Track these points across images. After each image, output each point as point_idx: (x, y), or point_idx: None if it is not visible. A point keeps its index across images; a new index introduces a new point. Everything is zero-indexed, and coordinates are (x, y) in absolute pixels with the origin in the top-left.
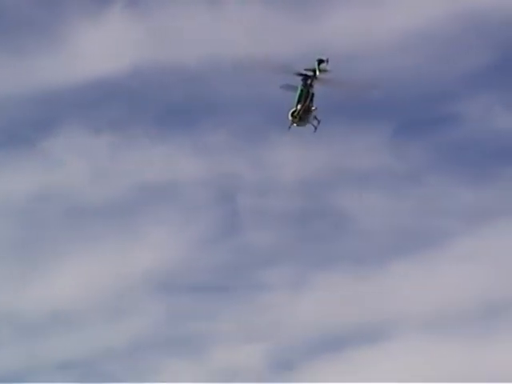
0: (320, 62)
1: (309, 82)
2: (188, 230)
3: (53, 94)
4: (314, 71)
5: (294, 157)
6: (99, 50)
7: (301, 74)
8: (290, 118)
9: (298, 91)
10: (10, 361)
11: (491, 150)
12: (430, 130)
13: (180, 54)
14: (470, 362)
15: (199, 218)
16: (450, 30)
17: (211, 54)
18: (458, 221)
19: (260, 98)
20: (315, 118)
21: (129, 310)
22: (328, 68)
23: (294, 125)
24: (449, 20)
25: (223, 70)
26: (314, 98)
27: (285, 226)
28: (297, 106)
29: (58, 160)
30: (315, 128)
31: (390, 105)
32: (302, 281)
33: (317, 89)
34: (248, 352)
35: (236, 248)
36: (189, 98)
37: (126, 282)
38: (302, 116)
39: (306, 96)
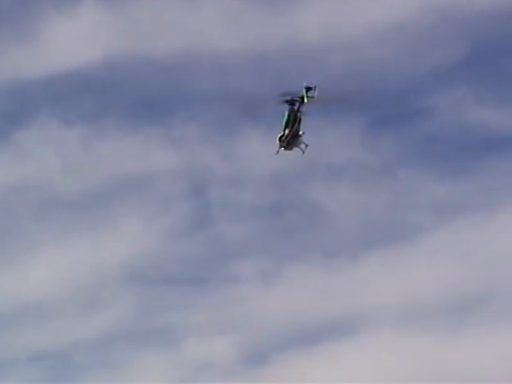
0: (308, 89)
1: (296, 107)
2: (161, 221)
3: (25, 86)
4: (302, 98)
5: (267, 149)
6: (71, 41)
7: (287, 101)
8: (278, 142)
9: (285, 116)
10: None
11: (463, 143)
12: (402, 123)
13: (152, 45)
14: (441, 356)
15: (172, 209)
16: (422, 23)
17: (184, 46)
18: (430, 215)
19: (232, 90)
20: (302, 142)
21: (101, 302)
22: (316, 95)
23: (282, 149)
24: (421, 13)
25: (195, 61)
26: (302, 123)
27: (257, 218)
28: (284, 130)
29: (30, 152)
30: (303, 151)
31: (362, 98)
32: (275, 273)
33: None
34: (220, 344)
35: (208, 240)
36: (161, 90)
37: (99, 273)
38: (290, 141)
39: (293, 121)
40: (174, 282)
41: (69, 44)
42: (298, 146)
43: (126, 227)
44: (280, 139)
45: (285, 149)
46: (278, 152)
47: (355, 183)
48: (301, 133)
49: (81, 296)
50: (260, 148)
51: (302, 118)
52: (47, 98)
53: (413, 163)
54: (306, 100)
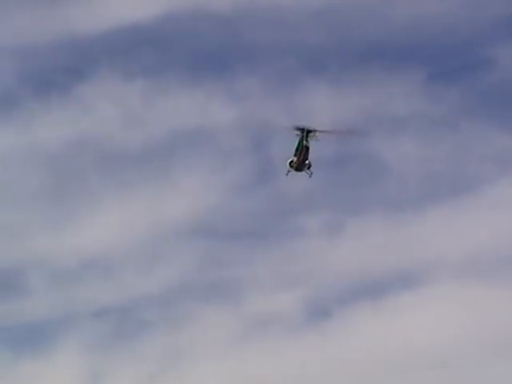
0: (308, 132)
1: (304, 135)
2: (222, 176)
3: (85, 41)
4: (308, 132)
5: (329, 102)
6: None
7: (300, 129)
8: (288, 166)
9: (296, 144)
10: (45, 308)
11: None
12: (464, 75)
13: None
14: (504, 309)
15: (233, 164)
16: None
17: (244, 0)
18: (494, 166)
19: (293, 44)
20: (309, 167)
21: (163, 257)
22: (316, 134)
23: (292, 170)
24: None
25: (256, 14)
26: (310, 151)
27: (320, 171)
28: (294, 156)
29: (91, 106)
30: (310, 175)
31: (425, 50)
32: (338, 227)
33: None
34: (284, 299)
35: (271, 194)
36: (221, 44)
37: (161, 228)
38: (297, 167)
39: (301, 151)
40: (237, 236)
41: None
42: (304, 170)
43: (187, 182)
44: (290, 164)
45: (294, 171)
46: (287, 173)
47: (418, 135)
48: (307, 162)
49: (143, 251)
50: (321, 101)
51: (310, 147)
52: (107, 53)
53: (475, 115)
54: (307, 143)
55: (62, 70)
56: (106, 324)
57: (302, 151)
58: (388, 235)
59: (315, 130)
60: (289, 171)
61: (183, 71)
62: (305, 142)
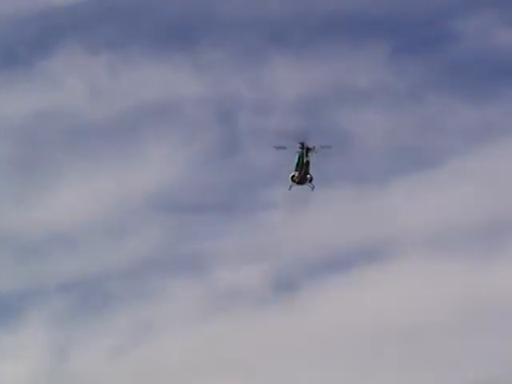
0: (308, 150)
1: (305, 150)
2: (189, 149)
3: (51, 14)
4: (307, 150)
5: (293, 75)
6: None
7: (301, 144)
8: (290, 180)
9: (296, 158)
10: (10, 282)
11: (491, 67)
12: (429, 47)
13: None
14: (470, 281)
15: (199, 137)
16: None
17: None
18: (458, 139)
19: (258, 18)
20: (310, 181)
21: (130, 230)
22: (316, 150)
23: (294, 184)
24: None
25: None
26: (310, 165)
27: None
28: (295, 171)
29: (56, 80)
30: (312, 188)
31: (389, 23)
32: (304, 200)
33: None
34: (249, 272)
35: (236, 167)
36: (188, 17)
37: (127, 202)
38: (299, 181)
39: (301, 165)
40: (204, 209)
41: None
42: (306, 184)
43: (154, 155)
44: (292, 178)
45: (296, 184)
46: (290, 188)
47: (383, 108)
48: (308, 176)
49: (110, 224)
50: (288, 74)
51: (311, 161)
52: (73, 26)
53: (440, 87)
54: (307, 158)
55: (26, 43)
56: (73, 297)
57: (303, 166)
58: (354, 208)
59: (316, 145)
60: (291, 186)
61: (149, 44)
62: (305, 157)
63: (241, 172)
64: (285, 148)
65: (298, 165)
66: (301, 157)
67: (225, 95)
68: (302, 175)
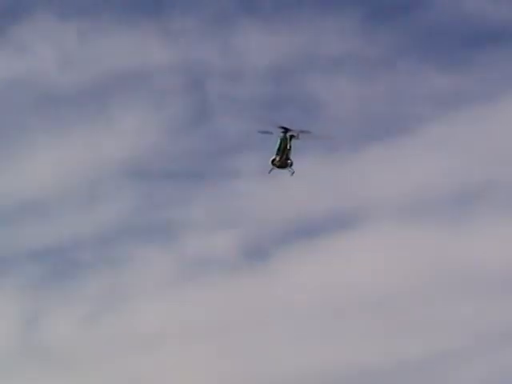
0: (291, 136)
1: (287, 135)
2: (159, 116)
3: None
4: (291, 137)
5: (264, 42)
6: None
7: (282, 128)
8: (270, 164)
9: (277, 144)
10: None
11: (463, 34)
12: (401, 14)
13: None
14: (442, 247)
15: (170, 104)
16: None
17: None
18: (430, 106)
19: None
20: (291, 165)
21: (101, 198)
22: (298, 136)
23: (274, 168)
24: None
25: None
26: (291, 151)
27: (256, 112)
28: (276, 155)
29: (26, 47)
30: (292, 173)
31: None
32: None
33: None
34: (221, 239)
35: (208, 134)
36: None
37: (99, 169)
38: (280, 165)
39: (283, 150)
40: (174, 176)
41: None
42: (287, 168)
43: (124, 122)
44: (272, 162)
45: (276, 168)
46: (270, 171)
47: (354, 75)
48: (289, 161)
49: (81, 191)
50: (258, 41)
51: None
52: None
53: (412, 54)
54: (289, 142)
55: None
56: (44, 264)
57: (285, 150)
58: (325, 175)
59: (299, 131)
60: (271, 169)
61: (119, 11)
62: (287, 142)
63: (211, 139)
64: (270, 133)
65: (279, 149)
66: (282, 141)
67: (195, 62)
68: (283, 160)
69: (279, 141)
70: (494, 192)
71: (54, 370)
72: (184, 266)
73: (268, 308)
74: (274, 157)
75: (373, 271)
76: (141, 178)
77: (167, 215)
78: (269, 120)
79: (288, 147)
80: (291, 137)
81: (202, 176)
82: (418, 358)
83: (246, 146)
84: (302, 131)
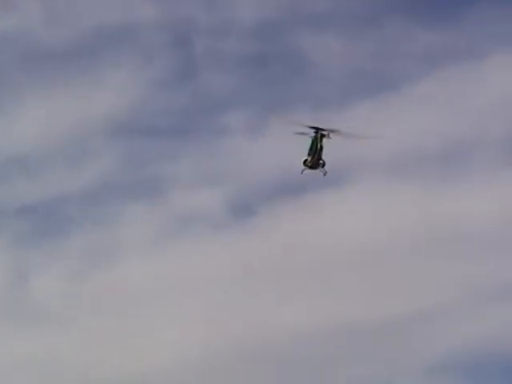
0: (322, 136)
1: (319, 135)
2: (146, 72)
3: None
4: (322, 136)
5: None
6: None
7: (314, 128)
8: (303, 165)
9: (310, 144)
10: None
11: None
12: None
13: None
14: (426, 206)
15: (157, 61)
16: None
17: None
18: (417, 63)
19: None
20: (323, 166)
21: (88, 154)
22: (330, 136)
23: (306, 169)
24: None
25: None
26: (323, 151)
27: (243, 68)
28: (308, 156)
29: (12, 3)
30: (324, 174)
31: None
32: (262, 124)
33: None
34: (207, 196)
35: (194, 91)
36: None
37: (85, 126)
38: (311, 166)
39: (315, 151)
40: (161, 133)
41: None
42: (318, 169)
43: (111, 79)
44: (304, 162)
45: (308, 168)
46: (302, 172)
47: (341, 32)
48: (321, 162)
49: (68, 148)
50: None
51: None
52: None
53: (399, 11)
54: (321, 143)
55: None
56: (30, 221)
57: (317, 151)
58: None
59: (329, 130)
60: (303, 170)
61: None
62: (319, 142)
63: (198, 96)
64: (306, 134)
65: (311, 149)
66: (314, 141)
67: (182, 18)
68: (315, 160)
69: (311, 141)
70: (482, 149)
71: (42, 326)
72: (170, 222)
73: (254, 265)
74: (306, 157)
75: (360, 229)
76: (127, 134)
77: (154, 172)
78: (295, 120)
79: (320, 147)
80: (322, 136)
81: (188, 132)
82: (404, 314)
83: (233, 103)
84: (333, 130)
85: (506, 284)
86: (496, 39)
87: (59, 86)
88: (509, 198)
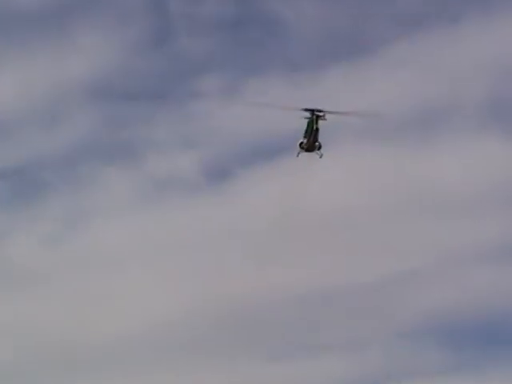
0: (317, 117)
1: (314, 117)
2: (122, 36)
3: None
4: (317, 118)
5: None
6: None
7: (309, 111)
8: (299, 147)
9: (306, 126)
10: None
11: None
12: None
13: None
14: (404, 168)
15: (132, 24)
16: None
17: None
18: (393, 27)
19: None
20: (319, 148)
21: (64, 118)
22: (325, 117)
23: (302, 152)
24: None
25: None
26: (319, 133)
27: (219, 32)
28: (304, 138)
29: None
30: (320, 156)
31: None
32: (237, 88)
33: None
34: (183, 160)
35: (170, 55)
36: None
37: (61, 90)
38: (308, 148)
39: (310, 133)
40: (137, 97)
41: None
42: (314, 151)
43: (87, 42)
44: (300, 145)
45: (305, 151)
46: (298, 154)
47: None
48: (317, 144)
49: (44, 112)
50: None
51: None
52: None
53: None
54: (317, 125)
55: None
56: (6, 184)
57: (312, 133)
58: (288, 95)
59: (324, 112)
60: (299, 152)
61: None
62: (315, 124)
63: (174, 60)
64: (309, 117)
65: (306, 132)
66: (310, 124)
67: None
68: (311, 142)
69: (307, 124)
70: (456, 112)
71: (20, 288)
72: (146, 186)
73: (229, 228)
74: (301, 140)
75: (335, 192)
76: (103, 98)
77: (130, 135)
78: (292, 105)
79: (316, 129)
80: (317, 118)
81: (165, 96)
82: (380, 279)
83: (209, 67)
84: (329, 112)
85: (480, 248)
86: (469, 2)
87: (35, 50)
88: (486, 160)
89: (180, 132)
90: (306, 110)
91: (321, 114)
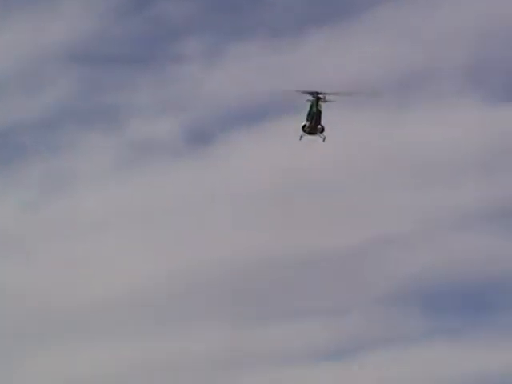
0: (318, 99)
1: (315, 99)
2: (102, 0)
3: None
4: (318, 99)
5: None
6: None
7: (310, 93)
8: (301, 130)
9: (308, 108)
10: None
11: None
12: None
13: None
14: (381, 134)
15: None
16: None
17: None
18: None
19: None
20: (322, 131)
21: (44, 82)
22: (326, 98)
23: (305, 134)
24: None
25: None
26: (322, 115)
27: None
28: (306, 121)
29: None
30: (323, 139)
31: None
32: (218, 52)
33: None
34: (164, 124)
35: (150, 19)
36: None
37: (41, 53)
38: (311, 131)
39: (312, 115)
40: (117, 61)
41: None
42: (317, 134)
43: (67, 6)
44: (303, 128)
45: (307, 134)
46: (301, 138)
47: None
48: (319, 126)
49: (23, 76)
50: None
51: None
52: None
53: None
54: (319, 107)
55: None
56: None
57: (315, 116)
58: (268, 60)
59: (326, 94)
60: (302, 135)
61: None
62: (317, 107)
63: (154, 24)
64: (310, 100)
65: (309, 114)
66: (312, 106)
67: None
68: (313, 125)
69: (309, 106)
70: (434, 77)
71: None
72: (127, 150)
73: (211, 193)
74: (304, 123)
75: (316, 158)
76: (84, 62)
77: (110, 100)
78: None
79: (318, 112)
80: (318, 99)
81: (145, 61)
82: (360, 243)
83: (190, 30)
84: (330, 93)
85: (457, 213)
86: None
87: (14, 14)
88: (464, 125)
89: (161, 96)
90: (308, 92)
91: (321, 95)
